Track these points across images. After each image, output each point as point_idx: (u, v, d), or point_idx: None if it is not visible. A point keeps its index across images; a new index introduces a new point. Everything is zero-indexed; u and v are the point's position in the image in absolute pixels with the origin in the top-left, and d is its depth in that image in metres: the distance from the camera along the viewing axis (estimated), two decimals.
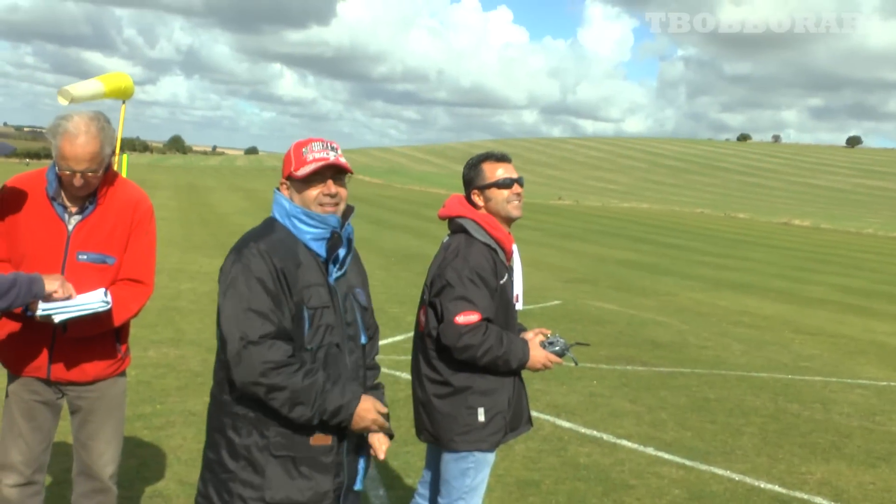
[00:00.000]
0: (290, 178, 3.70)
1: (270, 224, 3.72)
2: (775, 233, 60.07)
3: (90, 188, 4.35)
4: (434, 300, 4.63)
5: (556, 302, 18.22)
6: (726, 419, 9.73)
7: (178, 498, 6.39)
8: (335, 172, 3.69)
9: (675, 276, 26.03)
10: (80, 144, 4.16)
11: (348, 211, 3.79)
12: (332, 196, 3.67)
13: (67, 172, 4.21)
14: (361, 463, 3.84)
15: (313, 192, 3.65)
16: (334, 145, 3.73)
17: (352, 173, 3.78)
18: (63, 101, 11.15)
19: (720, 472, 7.90)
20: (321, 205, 3.66)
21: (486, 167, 4.78)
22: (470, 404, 4.61)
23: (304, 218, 3.65)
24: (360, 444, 3.80)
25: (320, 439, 3.60)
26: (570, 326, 14.89)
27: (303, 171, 3.62)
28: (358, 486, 3.84)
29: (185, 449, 7.37)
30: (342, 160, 3.68)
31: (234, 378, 3.52)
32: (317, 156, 3.64)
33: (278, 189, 3.78)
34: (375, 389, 3.97)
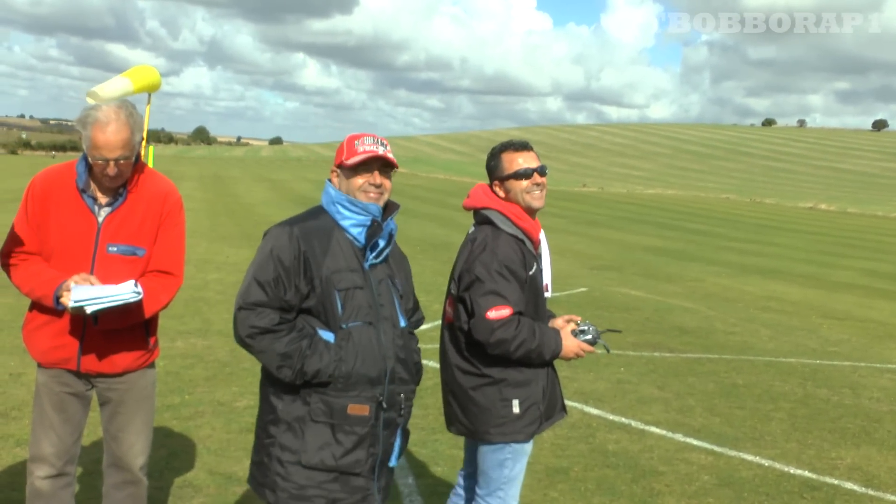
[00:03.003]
0: (340, 166, 3.98)
1: (316, 211, 4.02)
2: (802, 218, 59.76)
3: (123, 177, 4.37)
4: (463, 295, 4.58)
5: (583, 289, 18.19)
6: (755, 405, 9.69)
7: (207, 488, 6.41)
8: (382, 165, 3.96)
9: (702, 262, 25.93)
10: (111, 132, 4.19)
11: (392, 206, 4.06)
12: (377, 186, 3.94)
13: (101, 162, 4.24)
14: (398, 440, 4.03)
15: (359, 181, 3.92)
16: (384, 141, 4.00)
17: (397, 168, 4.04)
18: (91, 102, 11.20)
19: (749, 457, 7.87)
20: (364, 192, 3.92)
21: (505, 157, 4.71)
22: (505, 396, 4.58)
23: (347, 205, 3.93)
24: (396, 420, 3.98)
25: (357, 409, 3.82)
26: (597, 313, 14.86)
27: (352, 160, 3.91)
28: (392, 463, 4.05)
29: (213, 439, 7.40)
30: (390, 155, 3.97)
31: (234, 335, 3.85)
32: (367, 148, 3.93)
33: (329, 179, 4.06)
34: (415, 364, 4.17)
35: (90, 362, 4.48)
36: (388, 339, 3.94)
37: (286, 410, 3.82)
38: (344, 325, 3.81)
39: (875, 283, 23.31)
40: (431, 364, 7.97)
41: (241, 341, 3.79)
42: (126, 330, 4.49)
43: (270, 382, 3.89)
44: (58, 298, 4.21)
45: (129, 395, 4.65)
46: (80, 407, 4.66)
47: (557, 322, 4.81)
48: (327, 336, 3.80)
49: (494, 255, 4.51)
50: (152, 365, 4.77)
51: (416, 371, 4.16)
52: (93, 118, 4.22)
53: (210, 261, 18.54)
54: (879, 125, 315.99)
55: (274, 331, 3.72)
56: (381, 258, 4.02)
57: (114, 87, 11.85)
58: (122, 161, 4.26)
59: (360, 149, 3.91)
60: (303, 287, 3.78)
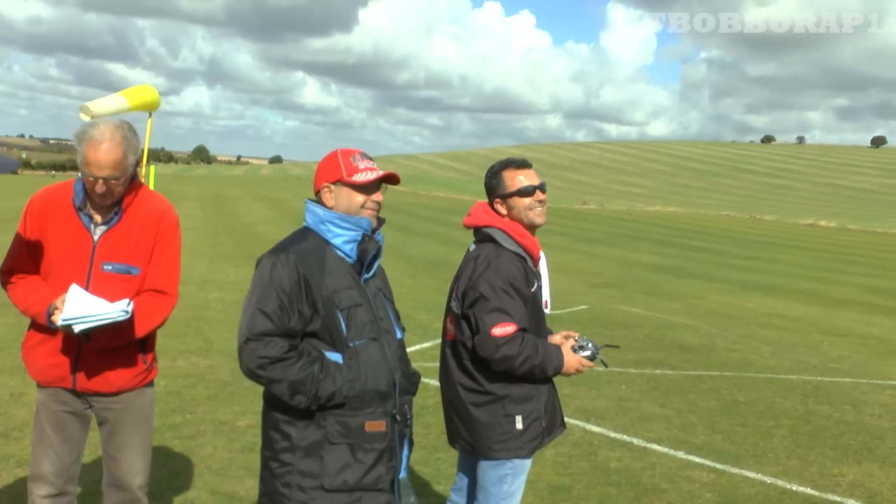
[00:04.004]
0: (339, 182, 3.92)
1: (303, 233, 3.97)
2: (802, 234, 59.78)
3: (113, 196, 4.38)
4: (467, 312, 4.61)
5: (584, 307, 18.19)
6: (756, 422, 9.68)
7: None
8: (381, 182, 3.97)
9: (703, 279, 25.93)
10: (103, 151, 4.22)
11: (380, 221, 4.05)
12: (378, 204, 3.98)
13: (91, 179, 4.27)
14: (406, 451, 4.07)
15: (361, 199, 3.92)
16: (371, 157, 4.02)
17: (398, 182, 4.07)
18: (85, 118, 11.20)
19: (751, 475, 7.86)
20: (367, 209, 3.93)
21: (506, 175, 4.74)
22: (508, 412, 4.60)
23: (338, 222, 3.90)
24: (404, 431, 4.02)
25: (374, 426, 3.84)
26: (598, 331, 14.84)
27: (360, 177, 3.90)
28: (402, 475, 4.07)
29: (215, 458, 7.38)
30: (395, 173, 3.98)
31: (240, 368, 3.78)
32: (368, 165, 3.93)
33: (314, 197, 4.03)
34: (412, 376, 4.22)
35: (85, 381, 4.48)
36: (391, 351, 3.98)
37: (301, 437, 3.78)
38: (351, 344, 3.81)
39: (875, 300, 23.31)
40: (433, 382, 7.97)
41: (252, 373, 3.74)
42: (121, 348, 4.49)
43: (280, 410, 3.83)
44: (49, 316, 4.22)
45: (126, 415, 4.64)
46: (79, 426, 4.66)
47: (556, 338, 4.85)
48: (335, 357, 3.79)
49: (498, 272, 4.53)
50: (150, 384, 4.76)
51: (415, 381, 4.22)
52: (88, 135, 4.25)
53: (211, 280, 18.52)
54: (878, 142, 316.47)
55: (284, 359, 3.68)
56: (371, 272, 4.03)
57: (107, 103, 11.87)
58: (111, 181, 4.28)
59: (361, 166, 3.90)
60: (306, 311, 3.76)
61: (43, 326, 4.39)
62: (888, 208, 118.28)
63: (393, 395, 3.92)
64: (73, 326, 4.11)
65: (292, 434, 3.80)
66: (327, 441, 3.76)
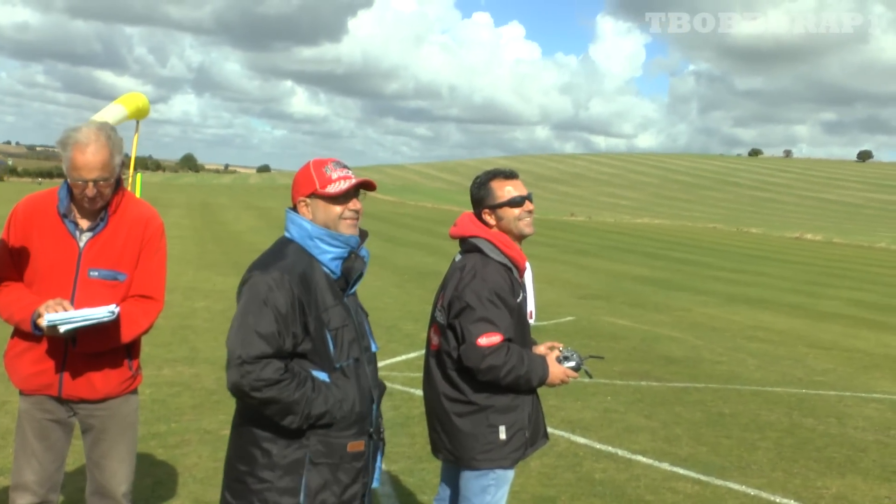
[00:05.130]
0: (313, 195, 3.85)
1: (285, 245, 3.88)
2: (788, 247, 59.91)
3: (103, 199, 4.38)
4: (453, 322, 4.61)
5: (570, 318, 18.20)
6: (741, 434, 9.70)
7: None
8: (357, 190, 3.90)
9: (689, 292, 25.96)
10: (90, 153, 4.23)
11: (363, 234, 3.98)
12: (356, 212, 3.88)
13: (80, 183, 4.26)
14: (378, 461, 4.06)
15: (338, 209, 3.84)
16: (346, 164, 3.93)
17: (375, 188, 3.99)
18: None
19: (736, 486, 7.88)
20: (345, 219, 3.84)
21: (494, 185, 4.75)
22: (491, 422, 4.60)
23: (327, 239, 3.83)
24: (377, 444, 4.02)
25: (356, 446, 3.83)
26: (584, 342, 14.87)
27: (333, 188, 3.81)
28: (375, 484, 4.07)
29: (200, 467, 7.37)
30: (369, 178, 3.91)
31: (227, 385, 3.70)
32: (342, 174, 3.85)
33: (293, 209, 3.93)
34: (382, 388, 4.17)
35: (71, 387, 4.47)
36: (370, 369, 3.98)
37: (282, 455, 3.74)
38: (337, 365, 3.79)
39: (860, 313, 23.37)
40: (418, 392, 7.97)
41: (244, 394, 3.64)
42: (107, 355, 4.48)
43: (261, 427, 3.76)
44: (34, 322, 4.22)
45: (111, 422, 4.63)
46: (62, 434, 4.65)
47: (540, 349, 4.86)
48: (322, 377, 3.76)
49: (485, 282, 4.54)
50: (135, 391, 4.75)
51: (383, 392, 4.17)
52: (73, 139, 4.25)
53: (197, 288, 18.48)
54: (864, 156, 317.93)
55: (281, 381, 3.61)
56: (354, 288, 4.00)
57: (109, 114, 11.87)
58: (101, 182, 4.27)
59: (335, 175, 3.83)
60: (298, 333, 3.71)
61: (27, 334, 4.37)
62: (874, 222, 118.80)
63: (370, 412, 3.93)
64: (59, 327, 4.08)
65: (273, 452, 3.75)
66: (309, 461, 3.73)
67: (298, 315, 3.69)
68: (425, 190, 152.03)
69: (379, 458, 4.06)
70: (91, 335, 4.26)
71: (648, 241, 55.86)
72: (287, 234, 3.91)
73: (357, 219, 3.90)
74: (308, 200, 3.87)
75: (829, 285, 31.69)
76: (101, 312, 4.18)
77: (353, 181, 3.84)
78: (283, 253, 3.83)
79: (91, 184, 4.26)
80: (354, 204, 3.87)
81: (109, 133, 4.35)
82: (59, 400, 4.52)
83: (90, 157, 4.23)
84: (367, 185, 3.90)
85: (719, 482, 7.96)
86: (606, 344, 15.19)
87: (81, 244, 4.42)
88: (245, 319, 3.66)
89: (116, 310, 4.23)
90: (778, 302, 24.79)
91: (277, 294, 3.65)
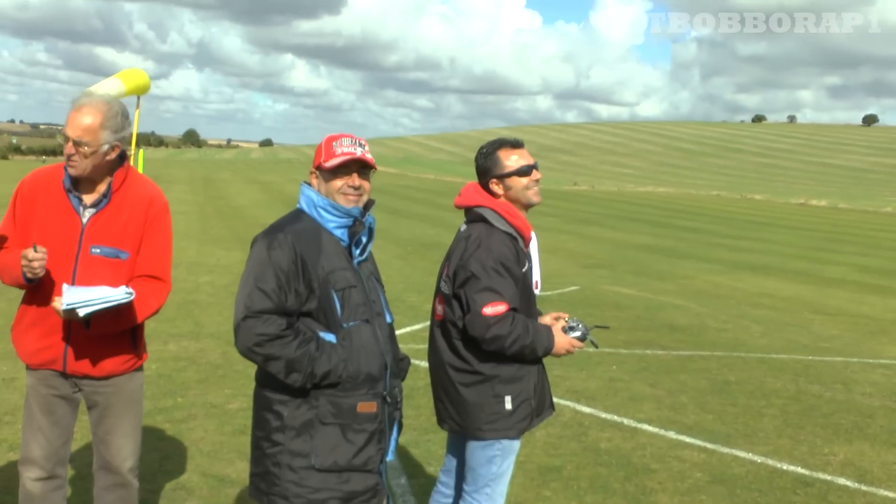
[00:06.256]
0: (319, 168, 3.98)
1: (298, 214, 3.99)
2: (792, 214, 59.87)
3: (80, 167, 4.33)
4: (458, 291, 4.60)
5: (574, 287, 18.20)
6: (747, 401, 9.70)
7: (200, 490, 6.41)
8: (360, 167, 3.96)
9: (693, 260, 25.96)
10: (80, 113, 4.27)
11: (369, 203, 4.05)
12: (356, 188, 3.94)
13: (62, 140, 4.30)
14: (395, 433, 4.09)
15: (338, 183, 3.92)
16: (363, 142, 4.00)
17: (375, 169, 4.05)
18: None
19: (742, 454, 7.88)
20: (344, 194, 3.93)
21: (501, 154, 4.72)
22: (497, 392, 4.59)
23: (329, 209, 3.93)
24: (394, 414, 4.05)
25: (366, 407, 3.86)
26: (589, 311, 14.87)
27: (331, 162, 3.91)
28: (390, 457, 4.08)
29: (206, 441, 7.39)
30: (368, 156, 3.97)
31: (235, 345, 3.77)
32: (345, 150, 3.92)
33: (307, 182, 4.06)
34: (402, 361, 4.25)
35: (75, 364, 4.46)
36: (383, 334, 4.01)
37: (292, 416, 3.79)
38: (344, 325, 3.83)
39: (866, 279, 23.36)
40: (423, 364, 7.98)
41: (249, 350, 3.72)
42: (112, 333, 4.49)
43: (273, 390, 3.84)
44: (26, 277, 4.23)
45: (116, 399, 4.62)
46: (68, 410, 4.65)
47: (545, 319, 4.83)
48: (329, 337, 3.80)
49: (490, 251, 4.52)
50: (140, 368, 4.74)
51: (405, 367, 4.27)
52: (78, 100, 4.34)
53: (201, 263, 18.50)
54: (870, 120, 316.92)
55: (282, 336, 3.68)
56: (365, 254, 4.05)
57: (106, 87, 11.84)
58: (81, 147, 4.26)
59: (338, 150, 3.92)
60: (302, 291, 3.77)
61: (34, 306, 4.41)
62: (879, 187, 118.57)
63: (384, 377, 3.93)
64: (78, 311, 4.06)
65: (284, 414, 3.80)
66: (318, 421, 3.77)
67: (301, 272, 3.76)
68: (427, 162, 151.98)
69: (395, 430, 4.08)
70: (104, 317, 4.24)
71: (652, 209, 55.84)
72: (299, 205, 4.03)
73: (358, 195, 3.95)
74: (317, 173, 4.00)
75: (835, 251, 31.69)
76: (119, 294, 4.16)
77: (346, 157, 3.90)
78: (293, 219, 3.94)
79: (71, 143, 4.26)
80: (353, 180, 3.92)
81: (115, 109, 4.36)
82: (64, 375, 4.51)
83: (78, 116, 4.26)
84: (361, 162, 3.94)
85: (725, 450, 7.97)
86: (611, 313, 15.20)
87: (84, 220, 4.40)
88: (248, 277, 3.78)
89: (133, 290, 4.23)
90: (783, 268, 24.79)
91: (279, 252, 3.75)
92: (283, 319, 3.72)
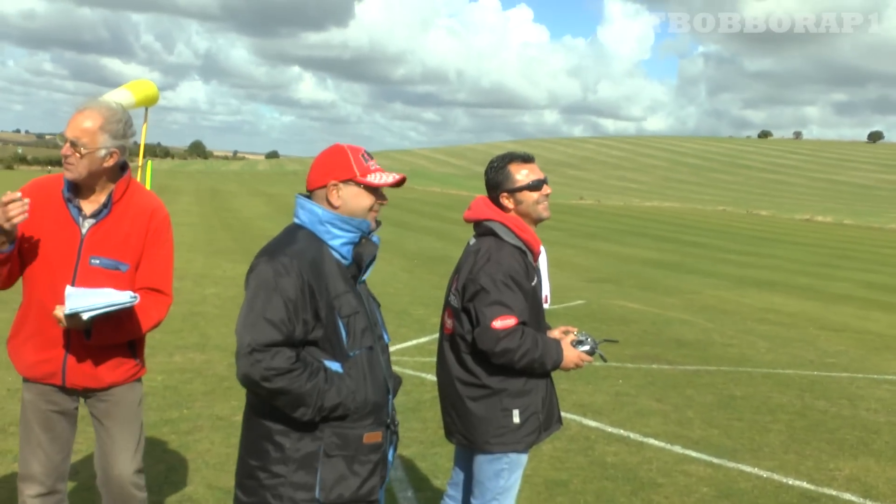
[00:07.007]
0: (350, 181, 3.75)
1: (295, 231, 3.77)
2: (798, 229, 59.81)
3: (77, 169, 4.29)
4: (468, 305, 4.60)
5: (580, 301, 18.20)
6: (753, 416, 9.69)
7: (206, 502, 6.40)
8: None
9: (699, 275, 25.95)
10: (81, 114, 4.26)
11: (377, 222, 3.90)
12: (383, 205, 3.85)
13: (61, 142, 4.29)
14: (391, 454, 3.97)
15: (370, 201, 3.78)
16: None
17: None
18: None
19: (748, 469, 7.87)
20: (373, 210, 3.80)
21: (512, 169, 4.72)
22: (505, 406, 4.59)
23: (339, 224, 3.72)
24: (393, 438, 3.94)
25: (372, 437, 3.73)
26: (595, 326, 14.85)
27: (375, 179, 3.76)
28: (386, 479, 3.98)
29: (212, 453, 7.38)
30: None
31: (237, 376, 3.59)
32: (378, 167, 3.80)
33: (305, 195, 3.83)
34: (395, 380, 4.08)
35: (75, 376, 4.43)
36: (384, 359, 3.90)
37: (295, 448, 3.63)
38: (350, 354, 3.69)
39: (872, 295, 23.34)
40: (430, 377, 7.98)
41: (254, 384, 3.52)
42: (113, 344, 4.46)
43: (273, 420, 3.65)
44: (2, 229, 4.14)
45: (116, 410, 4.59)
46: (67, 425, 4.62)
47: (554, 333, 4.83)
48: (335, 367, 3.66)
49: (499, 265, 4.52)
50: (139, 380, 4.71)
51: (399, 386, 4.10)
52: (84, 104, 4.33)
53: (208, 275, 18.49)
54: (875, 137, 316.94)
55: (292, 370, 3.49)
56: (367, 275, 3.91)
57: (115, 98, 11.89)
58: (77, 148, 4.23)
59: (373, 167, 3.77)
60: (309, 320, 3.58)
61: (31, 319, 4.39)
62: (885, 203, 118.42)
63: (386, 403, 3.85)
64: (82, 314, 4.02)
65: (286, 445, 3.65)
66: (323, 454, 3.63)
67: (308, 301, 3.56)
68: (434, 175, 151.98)
69: (391, 451, 3.95)
70: (106, 328, 4.23)
71: (658, 224, 55.81)
72: (297, 220, 3.81)
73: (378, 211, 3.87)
74: (342, 185, 3.74)
75: (840, 267, 31.66)
76: (124, 297, 4.13)
77: (396, 177, 3.79)
78: (293, 238, 3.71)
79: (68, 143, 4.24)
80: (384, 199, 3.82)
81: (115, 113, 4.33)
82: (64, 389, 4.49)
83: (78, 117, 4.25)
84: (403, 182, 3.84)
85: (731, 465, 7.96)
86: (617, 327, 15.18)
87: (84, 230, 4.37)
88: (253, 306, 3.55)
89: (137, 295, 4.21)
90: (788, 284, 24.77)
91: (286, 280, 3.53)
92: (293, 352, 3.54)
